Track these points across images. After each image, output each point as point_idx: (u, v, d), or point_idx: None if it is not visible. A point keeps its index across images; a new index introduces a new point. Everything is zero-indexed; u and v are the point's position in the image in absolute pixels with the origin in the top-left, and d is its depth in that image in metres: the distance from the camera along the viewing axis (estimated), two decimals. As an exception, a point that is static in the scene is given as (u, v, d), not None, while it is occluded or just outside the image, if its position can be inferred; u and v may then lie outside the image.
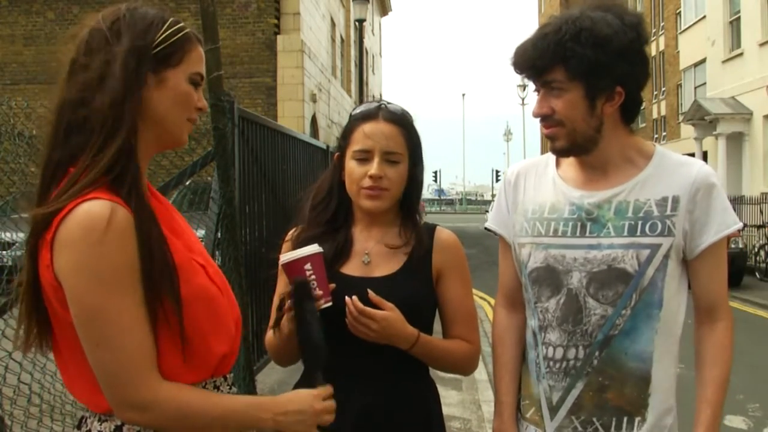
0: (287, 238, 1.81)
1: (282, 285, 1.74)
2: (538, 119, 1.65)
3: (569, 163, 1.72)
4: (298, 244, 1.71)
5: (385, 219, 1.76)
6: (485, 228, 1.87)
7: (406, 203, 1.77)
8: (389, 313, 1.61)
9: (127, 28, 1.26)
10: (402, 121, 1.73)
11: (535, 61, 1.58)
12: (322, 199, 1.79)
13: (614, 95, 1.59)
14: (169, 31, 1.29)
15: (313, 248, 1.58)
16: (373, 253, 1.73)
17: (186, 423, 1.22)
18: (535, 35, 1.59)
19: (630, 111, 1.64)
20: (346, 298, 1.59)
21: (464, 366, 1.79)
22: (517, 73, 1.65)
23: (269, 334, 1.73)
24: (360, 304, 1.58)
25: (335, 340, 1.57)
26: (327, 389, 1.39)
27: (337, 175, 1.78)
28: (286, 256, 1.59)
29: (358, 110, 1.78)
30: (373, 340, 1.61)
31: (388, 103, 1.78)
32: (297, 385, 1.74)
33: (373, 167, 1.67)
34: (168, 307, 1.21)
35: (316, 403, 1.35)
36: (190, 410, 1.21)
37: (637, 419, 1.62)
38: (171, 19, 1.31)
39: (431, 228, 1.80)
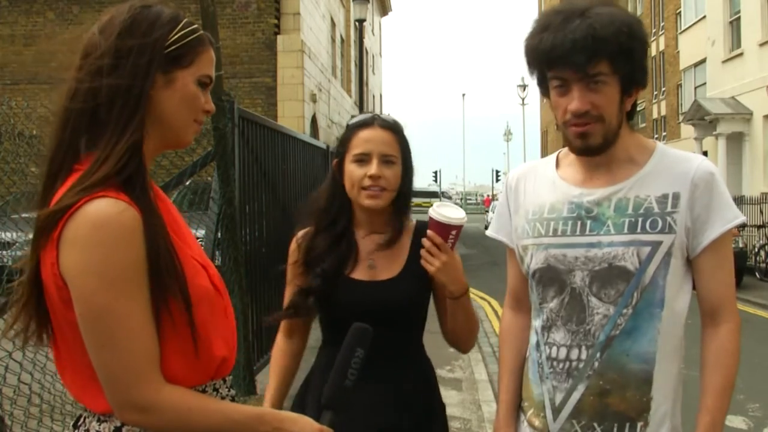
0: (296, 242, 1.95)
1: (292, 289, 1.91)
2: (569, 116, 1.56)
3: (569, 162, 1.70)
4: (308, 250, 1.89)
5: (383, 221, 1.89)
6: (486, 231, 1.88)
7: (398, 204, 1.90)
8: (456, 256, 1.76)
9: (140, 26, 1.25)
10: (395, 128, 1.89)
11: (576, 54, 1.50)
12: (325, 202, 1.93)
13: (632, 91, 1.60)
14: (183, 32, 1.27)
15: (462, 217, 1.72)
16: (377, 257, 1.87)
17: (185, 428, 1.21)
18: (568, 28, 1.50)
19: (632, 107, 1.65)
20: (428, 232, 1.73)
21: (475, 334, 1.95)
22: (543, 68, 1.58)
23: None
24: (439, 239, 1.71)
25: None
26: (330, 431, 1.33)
27: (336, 180, 1.92)
28: (439, 215, 1.71)
29: (354, 120, 1.94)
30: (432, 272, 1.74)
31: (382, 114, 1.96)
32: (298, 400, 1.86)
33: (372, 168, 1.82)
34: (174, 309, 1.20)
35: None
36: (190, 416, 1.21)
37: (639, 424, 1.58)
38: (185, 20, 1.29)
39: (425, 226, 1.82)
